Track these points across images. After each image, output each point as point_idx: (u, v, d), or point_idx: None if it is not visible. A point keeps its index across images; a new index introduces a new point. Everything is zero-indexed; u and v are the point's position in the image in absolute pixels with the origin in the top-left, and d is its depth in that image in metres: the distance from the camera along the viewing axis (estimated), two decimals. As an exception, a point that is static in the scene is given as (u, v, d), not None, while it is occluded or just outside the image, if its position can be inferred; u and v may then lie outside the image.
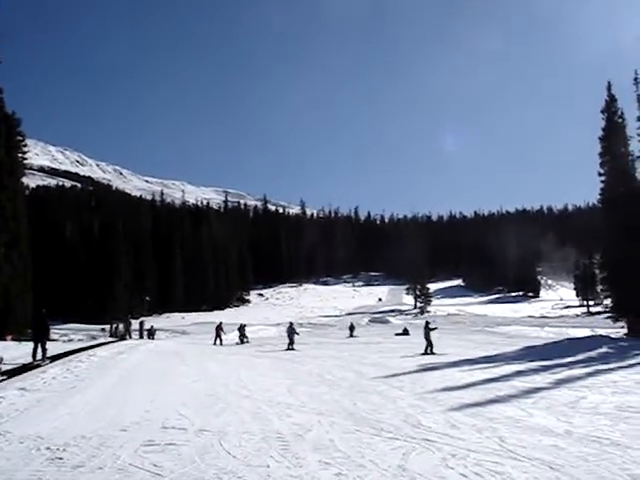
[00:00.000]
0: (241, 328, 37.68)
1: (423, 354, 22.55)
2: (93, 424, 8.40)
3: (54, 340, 34.29)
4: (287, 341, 29.19)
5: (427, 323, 25.02)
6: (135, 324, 43.14)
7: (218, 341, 34.94)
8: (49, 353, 18.20)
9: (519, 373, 15.44)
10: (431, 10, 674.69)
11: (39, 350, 17.34)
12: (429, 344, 23.30)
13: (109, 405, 10.35)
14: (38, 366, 16.21)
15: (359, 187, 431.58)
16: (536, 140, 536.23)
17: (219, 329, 35.90)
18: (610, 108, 33.30)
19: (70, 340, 43.77)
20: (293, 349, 27.95)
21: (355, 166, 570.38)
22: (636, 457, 6.52)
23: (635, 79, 32.70)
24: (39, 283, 44.76)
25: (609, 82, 33.61)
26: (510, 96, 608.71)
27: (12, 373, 14.50)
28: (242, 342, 35.99)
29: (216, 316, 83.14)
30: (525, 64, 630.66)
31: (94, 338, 44.39)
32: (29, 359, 17.14)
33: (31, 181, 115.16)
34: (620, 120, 33.12)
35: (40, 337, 17.66)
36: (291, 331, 29.48)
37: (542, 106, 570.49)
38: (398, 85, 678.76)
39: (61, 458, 6.51)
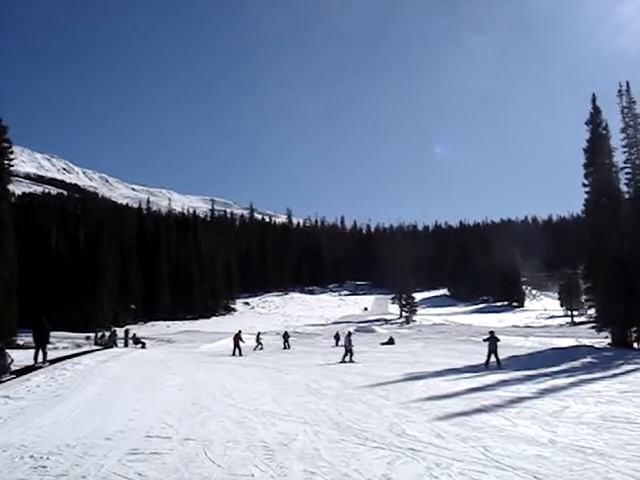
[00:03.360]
0: (285, 335, 41.33)
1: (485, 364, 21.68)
2: (77, 433, 8.36)
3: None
4: (343, 351, 26.96)
5: (492, 333, 23.26)
6: (120, 332, 42.90)
7: (237, 351, 31.57)
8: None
9: (504, 383, 15.53)
10: (428, 13, 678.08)
11: (40, 353, 18.87)
12: (495, 355, 22.15)
13: (93, 414, 10.29)
14: (40, 368, 17.71)
15: (346, 196, 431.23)
16: (522, 151, 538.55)
17: (238, 338, 32.29)
18: (595, 120, 33.51)
19: (55, 348, 43.26)
20: (352, 361, 25.33)
21: (342, 175, 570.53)
22: (619, 466, 6.58)
23: (619, 91, 33.00)
24: (24, 290, 44.46)
25: (594, 94, 33.90)
26: (497, 105, 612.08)
27: (19, 373, 16.13)
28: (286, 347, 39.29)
29: (202, 325, 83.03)
30: (513, 74, 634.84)
31: (79, 346, 44.03)
32: (32, 362, 18.58)
33: (17, 188, 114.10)
34: (604, 132, 33.33)
35: (41, 342, 19.08)
36: (349, 342, 27.00)
37: (528, 116, 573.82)
38: (384, 94, 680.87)
39: (45, 467, 6.48)
